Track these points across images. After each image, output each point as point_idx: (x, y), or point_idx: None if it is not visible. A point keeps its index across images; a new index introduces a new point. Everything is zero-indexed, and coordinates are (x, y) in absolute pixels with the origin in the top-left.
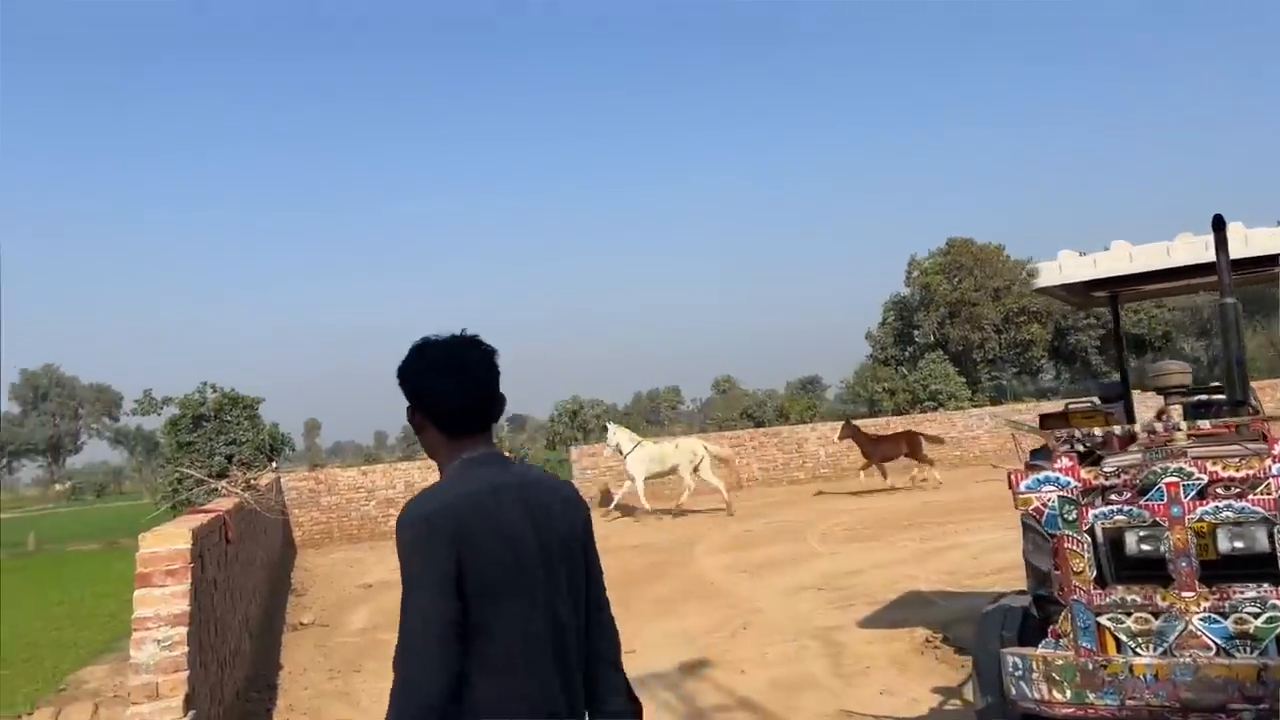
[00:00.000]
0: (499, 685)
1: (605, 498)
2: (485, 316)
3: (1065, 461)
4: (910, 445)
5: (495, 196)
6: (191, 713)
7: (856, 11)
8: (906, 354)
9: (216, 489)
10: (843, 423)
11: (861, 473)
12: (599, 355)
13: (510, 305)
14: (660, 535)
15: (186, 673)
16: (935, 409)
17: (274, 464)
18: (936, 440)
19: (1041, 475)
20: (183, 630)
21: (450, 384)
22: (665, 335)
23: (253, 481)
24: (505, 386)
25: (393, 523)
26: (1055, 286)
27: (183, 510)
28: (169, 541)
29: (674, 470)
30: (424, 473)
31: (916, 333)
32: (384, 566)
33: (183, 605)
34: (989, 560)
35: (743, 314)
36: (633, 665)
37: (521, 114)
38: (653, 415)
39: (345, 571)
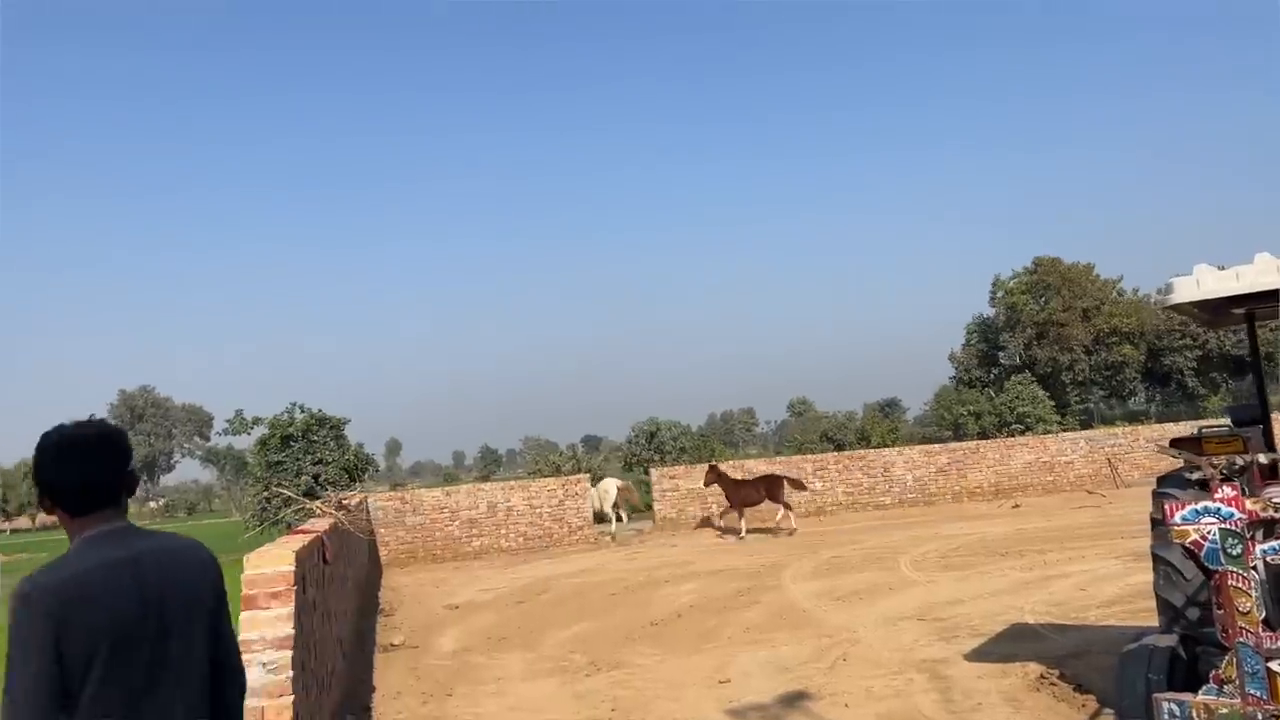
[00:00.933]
0: None
1: (703, 522)
2: (560, 340)
3: (1227, 491)
4: (770, 489)
5: (569, 218)
6: None
7: (949, 38)
8: (991, 376)
9: (310, 508)
10: (708, 466)
11: (722, 517)
12: (676, 375)
13: (584, 328)
14: (745, 560)
15: (291, 697)
16: (1023, 432)
17: (359, 484)
18: (798, 485)
19: (1200, 506)
20: (287, 654)
21: (68, 469)
22: (740, 357)
23: (344, 501)
24: (581, 408)
25: (476, 543)
26: (1189, 303)
27: (271, 528)
28: (273, 563)
29: (599, 512)
30: (506, 494)
31: (1001, 354)
32: (470, 588)
33: (287, 628)
34: (1098, 591)
35: (817, 335)
36: (728, 694)
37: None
38: (727, 437)
39: (431, 592)
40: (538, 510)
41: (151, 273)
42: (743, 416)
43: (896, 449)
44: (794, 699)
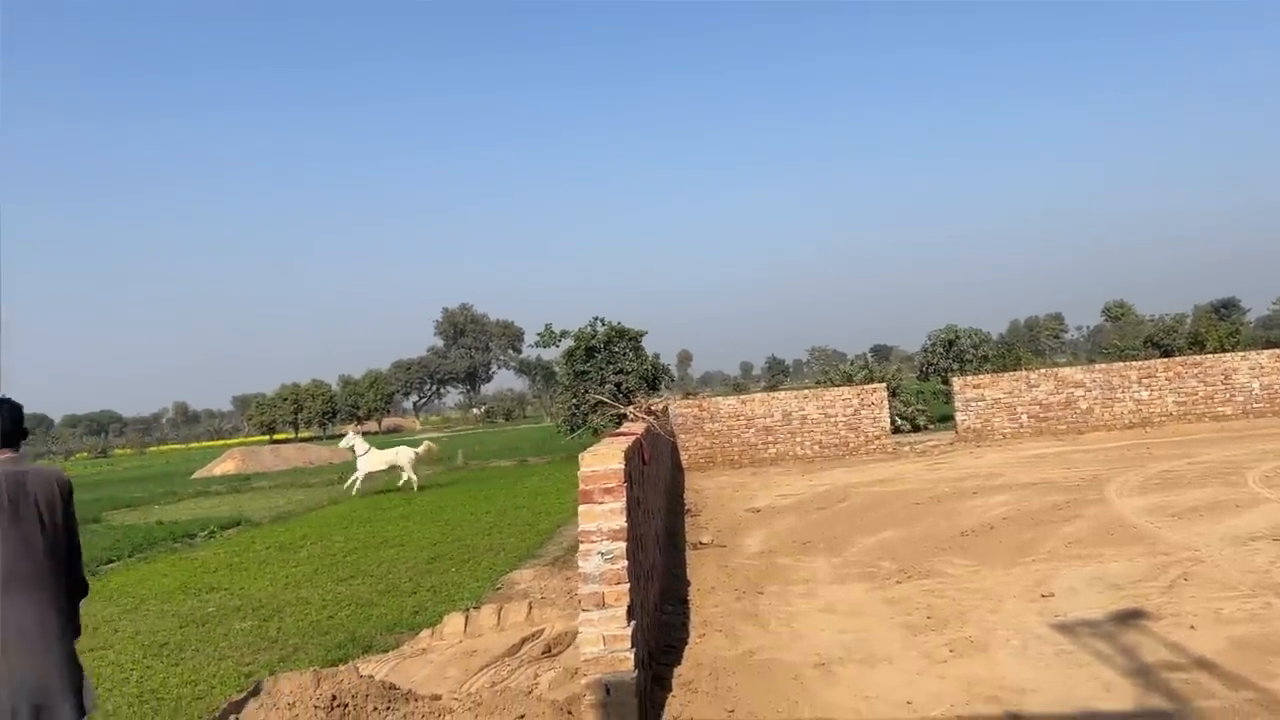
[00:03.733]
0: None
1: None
2: (862, 248)
3: None
4: None
5: (869, 131)
6: (633, 622)
7: None
8: None
9: (624, 412)
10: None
11: None
12: (970, 281)
13: (878, 235)
14: (1060, 472)
15: (628, 584)
16: None
17: (656, 392)
18: None
19: None
20: (621, 545)
21: None
22: (1046, 256)
23: (651, 407)
24: (874, 316)
25: (772, 450)
26: None
27: (580, 433)
28: (605, 462)
29: (393, 468)
30: (800, 402)
31: None
32: (769, 493)
33: (620, 521)
34: None
35: (1134, 233)
36: (1052, 608)
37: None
38: (1032, 344)
39: (732, 495)
40: (833, 419)
41: (470, 200)
42: (1049, 323)
43: (1239, 354)
44: (1129, 617)
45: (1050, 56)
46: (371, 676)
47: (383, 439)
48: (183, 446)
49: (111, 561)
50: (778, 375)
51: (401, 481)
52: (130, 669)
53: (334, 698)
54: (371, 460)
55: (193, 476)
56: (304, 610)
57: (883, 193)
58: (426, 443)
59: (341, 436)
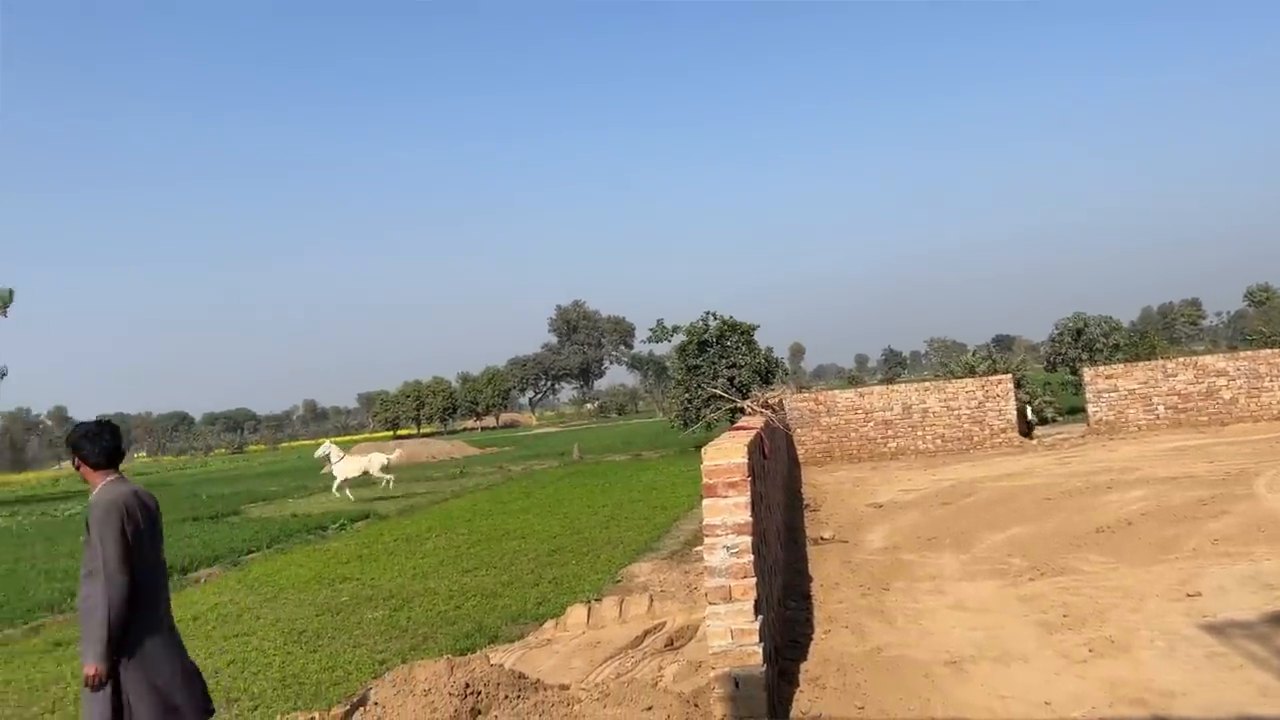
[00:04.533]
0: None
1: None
2: (980, 234)
3: None
4: None
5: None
6: (761, 617)
7: None
8: None
9: (740, 406)
10: None
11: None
12: (1098, 267)
13: (997, 221)
14: (1203, 466)
15: (754, 579)
16: None
17: (770, 386)
18: None
19: None
20: (747, 539)
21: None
22: (1179, 239)
23: (768, 401)
24: (995, 305)
25: (892, 445)
26: None
27: (694, 428)
28: (728, 456)
29: (366, 473)
30: (921, 395)
31: None
32: (891, 487)
33: (745, 515)
34: None
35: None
36: (1199, 608)
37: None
38: (1167, 332)
39: (852, 490)
40: (955, 412)
41: (576, 202)
42: (1185, 309)
43: None
44: None
45: (1187, 30)
46: (501, 665)
47: (501, 435)
48: (312, 442)
49: (251, 552)
50: (895, 367)
51: (383, 485)
52: (273, 655)
53: (467, 685)
54: (346, 467)
55: (323, 471)
56: (432, 600)
57: (1001, 176)
58: (398, 450)
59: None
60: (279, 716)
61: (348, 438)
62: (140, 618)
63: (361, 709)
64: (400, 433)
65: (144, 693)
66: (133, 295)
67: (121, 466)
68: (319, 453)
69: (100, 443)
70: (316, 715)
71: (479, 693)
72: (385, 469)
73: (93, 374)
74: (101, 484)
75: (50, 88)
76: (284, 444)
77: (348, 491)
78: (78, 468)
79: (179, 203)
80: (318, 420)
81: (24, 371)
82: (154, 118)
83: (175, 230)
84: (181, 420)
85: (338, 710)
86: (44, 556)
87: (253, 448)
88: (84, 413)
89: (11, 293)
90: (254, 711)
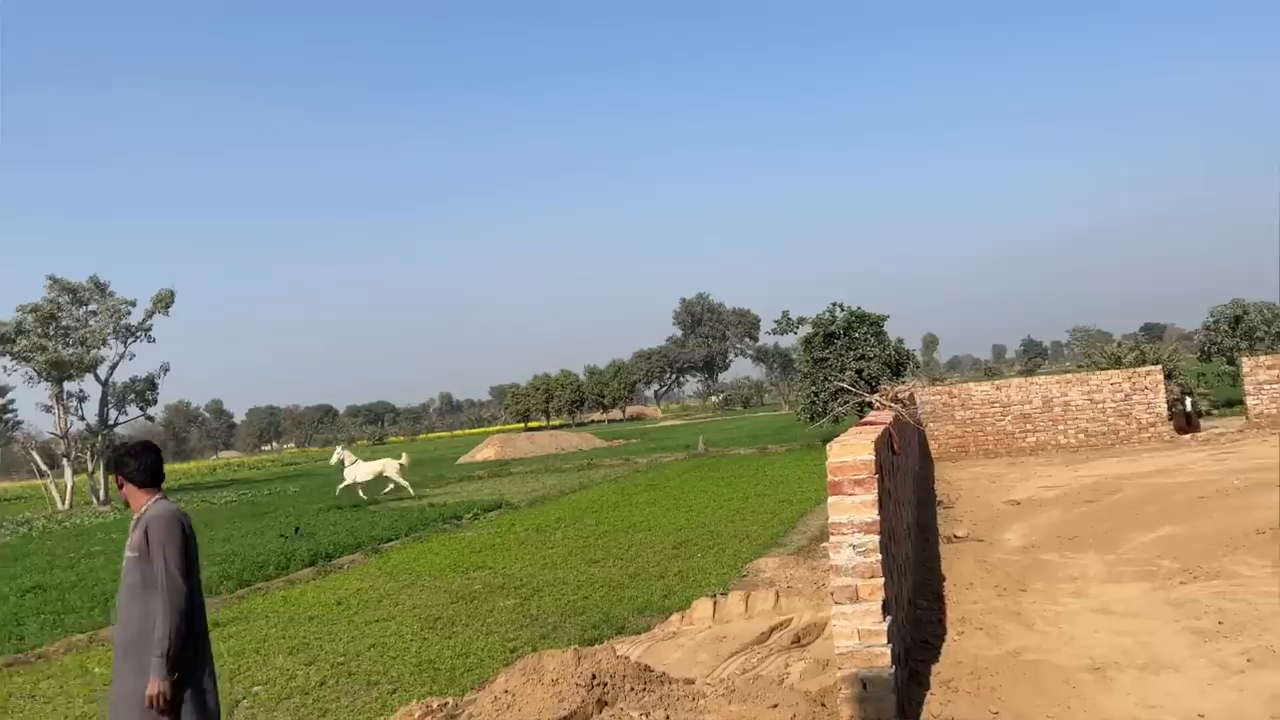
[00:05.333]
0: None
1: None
2: (1125, 218)
3: None
4: None
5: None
6: (889, 617)
7: None
8: None
9: (868, 400)
10: None
11: None
12: (1261, 249)
13: (1144, 204)
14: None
15: (882, 579)
16: None
17: (900, 379)
18: None
19: None
20: (874, 538)
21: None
22: None
23: (897, 395)
24: (1143, 292)
25: (1031, 439)
26: None
27: (821, 421)
28: (854, 452)
29: (380, 475)
30: (1062, 387)
31: None
32: (1030, 484)
33: (872, 514)
34: None
35: None
36: None
37: None
38: None
39: (988, 486)
40: (1099, 405)
41: (699, 194)
42: None
43: None
44: None
45: None
46: (627, 657)
47: (627, 427)
48: (448, 434)
49: (391, 540)
50: (1035, 358)
51: (387, 489)
52: (410, 640)
53: (594, 676)
54: (357, 471)
55: (458, 462)
56: (560, 590)
57: (1149, 156)
58: (405, 454)
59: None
60: (416, 700)
61: (481, 430)
62: (199, 633)
63: (493, 696)
64: (530, 425)
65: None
66: (281, 294)
67: (272, 456)
68: (334, 458)
69: (145, 460)
70: (451, 700)
71: (605, 684)
72: (400, 473)
73: (246, 369)
74: (149, 501)
75: (211, 99)
76: (422, 435)
77: (360, 492)
78: (121, 487)
79: (323, 205)
80: (452, 412)
81: (183, 367)
82: (307, 125)
83: (322, 232)
84: (326, 413)
85: (471, 696)
86: (204, 542)
87: (392, 439)
88: (239, 405)
89: (172, 294)
90: (393, 695)
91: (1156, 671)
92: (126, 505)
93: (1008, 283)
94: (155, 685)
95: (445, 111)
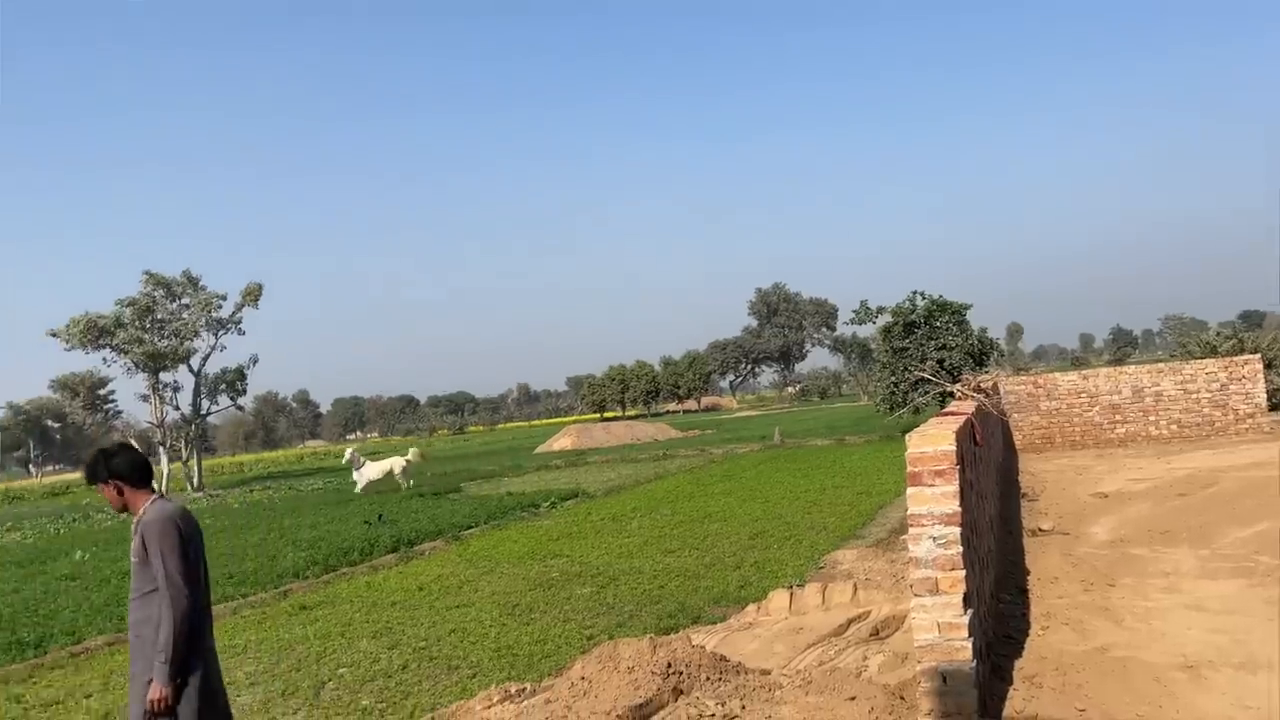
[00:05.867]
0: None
1: None
2: (1221, 201)
3: None
4: None
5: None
6: (970, 611)
7: None
8: None
9: (950, 390)
10: None
11: None
12: None
13: (1238, 186)
14: None
15: (963, 571)
16: None
17: (983, 368)
18: None
19: None
20: (955, 530)
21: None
22: None
23: (980, 385)
24: (1242, 276)
25: (1120, 430)
26: None
27: (901, 412)
28: (934, 443)
29: (389, 475)
30: (1154, 377)
31: None
32: (1118, 476)
33: (953, 505)
34: None
35: None
36: None
37: None
38: None
39: (1074, 479)
40: (1193, 395)
41: (780, 178)
42: None
43: None
44: None
45: None
46: (702, 647)
47: (702, 418)
48: (525, 424)
49: (470, 527)
50: (1124, 347)
51: (404, 487)
52: (489, 626)
53: (669, 665)
54: (367, 471)
55: (535, 451)
56: (636, 579)
57: (1245, 138)
58: (412, 449)
59: (643, 415)
60: (495, 685)
61: (558, 420)
62: (203, 635)
63: (570, 682)
64: (606, 415)
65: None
66: (365, 285)
67: (354, 446)
68: (345, 459)
69: (133, 458)
70: (529, 685)
71: (680, 673)
72: (404, 472)
73: (331, 360)
74: (146, 503)
75: (306, 88)
76: (500, 425)
77: (360, 487)
78: (120, 492)
79: (407, 199)
80: (530, 403)
81: (271, 358)
82: (399, 118)
83: (403, 225)
84: (408, 403)
85: (548, 682)
86: (291, 528)
87: (472, 428)
88: (324, 396)
89: (260, 287)
90: (472, 679)
91: (1253, 671)
92: (122, 511)
93: (1096, 271)
94: (157, 690)
95: (523, 96)
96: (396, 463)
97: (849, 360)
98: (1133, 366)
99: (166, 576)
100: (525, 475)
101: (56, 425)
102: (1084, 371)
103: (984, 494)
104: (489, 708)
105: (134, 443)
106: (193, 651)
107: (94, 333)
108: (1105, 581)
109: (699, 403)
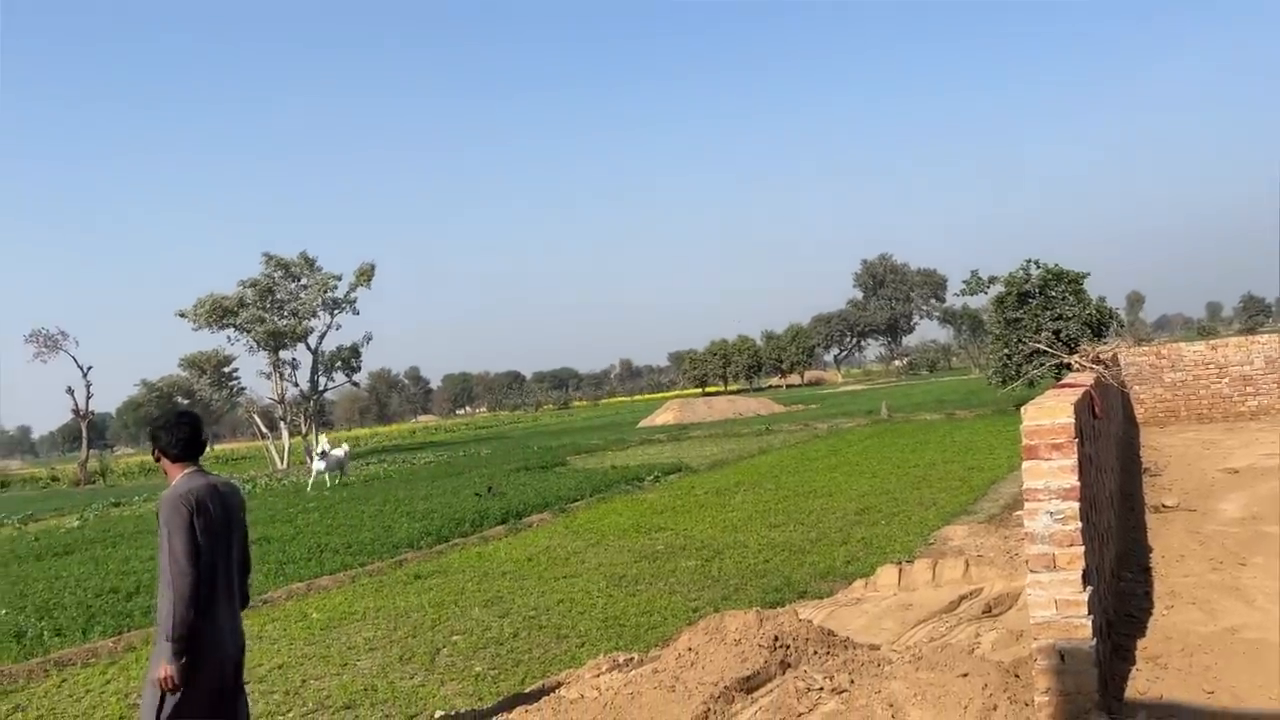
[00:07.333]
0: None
1: None
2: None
3: None
4: None
5: None
6: (1089, 588)
7: None
8: None
9: (1068, 362)
10: None
11: None
12: None
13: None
14: None
15: (1082, 548)
16: None
17: (1102, 339)
18: None
19: None
20: (1073, 505)
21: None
22: None
23: (1099, 356)
24: None
25: (1251, 403)
26: None
27: (1015, 385)
28: (1051, 415)
29: (339, 461)
30: None
31: None
32: (1250, 451)
33: (1071, 479)
34: None
35: None
36: None
37: None
38: None
39: (1201, 453)
40: None
41: (875, 146)
42: None
43: None
44: None
45: None
46: (810, 621)
47: (805, 392)
48: (628, 399)
49: (576, 500)
50: (1256, 316)
51: (344, 475)
52: (596, 597)
53: (776, 638)
54: (319, 464)
55: (638, 426)
56: (741, 553)
57: None
58: (344, 446)
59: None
60: (603, 654)
61: (660, 395)
62: (214, 616)
63: (677, 653)
64: (708, 390)
65: (201, 700)
66: (474, 264)
67: (465, 420)
68: (318, 449)
69: (177, 433)
70: (636, 655)
71: (788, 646)
72: (341, 463)
73: (442, 337)
74: (179, 477)
75: (402, 69)
76: (603, 400)
77: (325, 478)
78: (157, 459)
79: (514, 185)
80: (632, 378)
81: (384, 336)
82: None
83: (513, 206)
84: (515, 379)
85: (655, 652)
86: (405, 500)
87: (576, 404)
88: (434, 372)
89: (373, 266)
90: (581, 648)
91: None
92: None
93: (1224, 236)
94: (162, 669)
95: (623, 83)
96: (343, 451)
97: (959, 332)
98: (1266, 335)
99: (171, 557)
100: (628, 449)
101: (186, 402)
102: (1212, 341)
103: (1104, 468)
104: (598, 676)
105: (195, 411)
106: (206, 634)
107: (219, 313)
108: (1235, 560)
109: (802, 377)
